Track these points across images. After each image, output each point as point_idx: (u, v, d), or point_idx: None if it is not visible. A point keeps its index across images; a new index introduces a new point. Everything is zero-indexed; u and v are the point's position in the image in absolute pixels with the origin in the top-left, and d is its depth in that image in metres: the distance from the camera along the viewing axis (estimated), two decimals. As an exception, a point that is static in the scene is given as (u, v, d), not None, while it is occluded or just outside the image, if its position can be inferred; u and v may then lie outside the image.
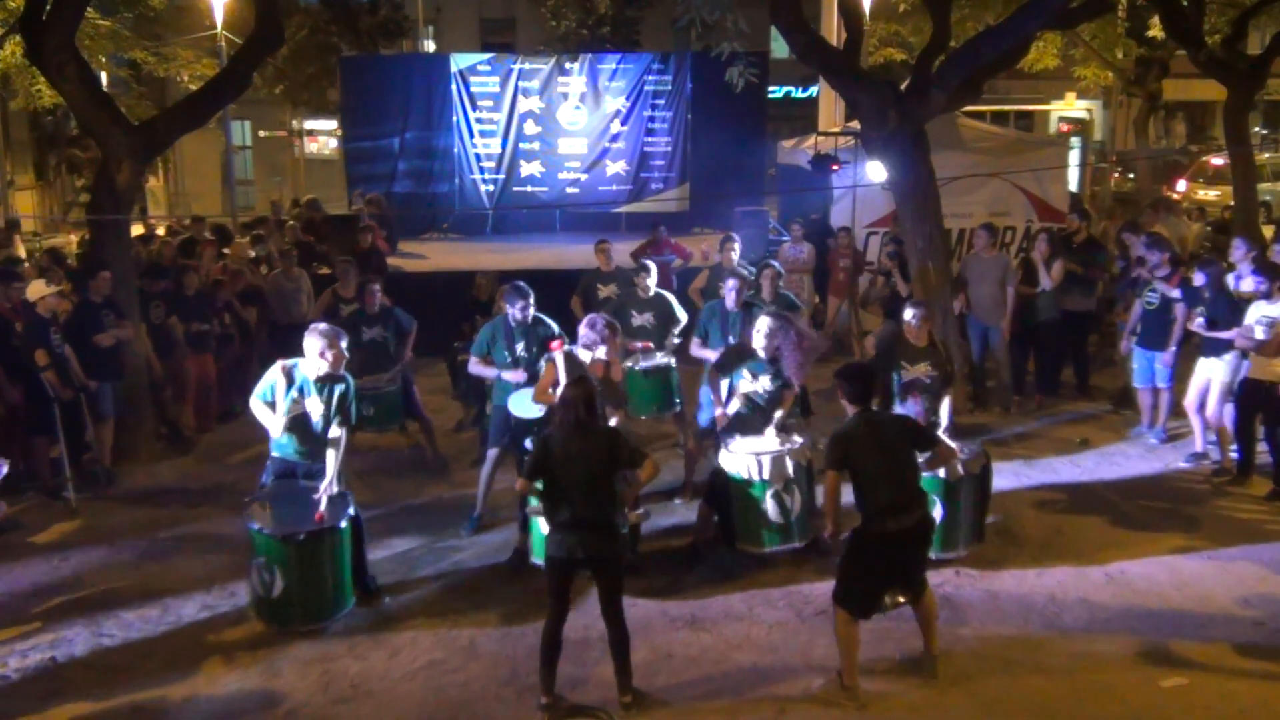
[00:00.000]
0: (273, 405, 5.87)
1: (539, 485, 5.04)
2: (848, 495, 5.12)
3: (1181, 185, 22.08)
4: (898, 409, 6.60)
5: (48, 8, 8.01)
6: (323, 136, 30.35)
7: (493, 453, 7.08)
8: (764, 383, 6.55)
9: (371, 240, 11.57)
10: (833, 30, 15.58)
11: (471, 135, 16.41)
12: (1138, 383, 8.62)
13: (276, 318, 10.08)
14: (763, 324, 6.48)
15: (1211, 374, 7.78)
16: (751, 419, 6.56)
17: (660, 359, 8.09)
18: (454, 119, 16.30)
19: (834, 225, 11.90)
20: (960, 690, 5.11)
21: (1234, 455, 7.81)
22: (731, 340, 7.22)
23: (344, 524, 5.68)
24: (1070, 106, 29.43)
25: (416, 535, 7.04)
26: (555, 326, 7.11)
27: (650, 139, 16.73)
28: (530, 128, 16.52)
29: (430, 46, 29.55)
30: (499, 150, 16.49)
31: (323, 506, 5.64)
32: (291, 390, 5.83)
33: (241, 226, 14.41)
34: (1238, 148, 13.68)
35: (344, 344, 5.87)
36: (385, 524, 7.10)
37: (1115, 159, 26.28)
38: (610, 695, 4.99)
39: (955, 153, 11.80)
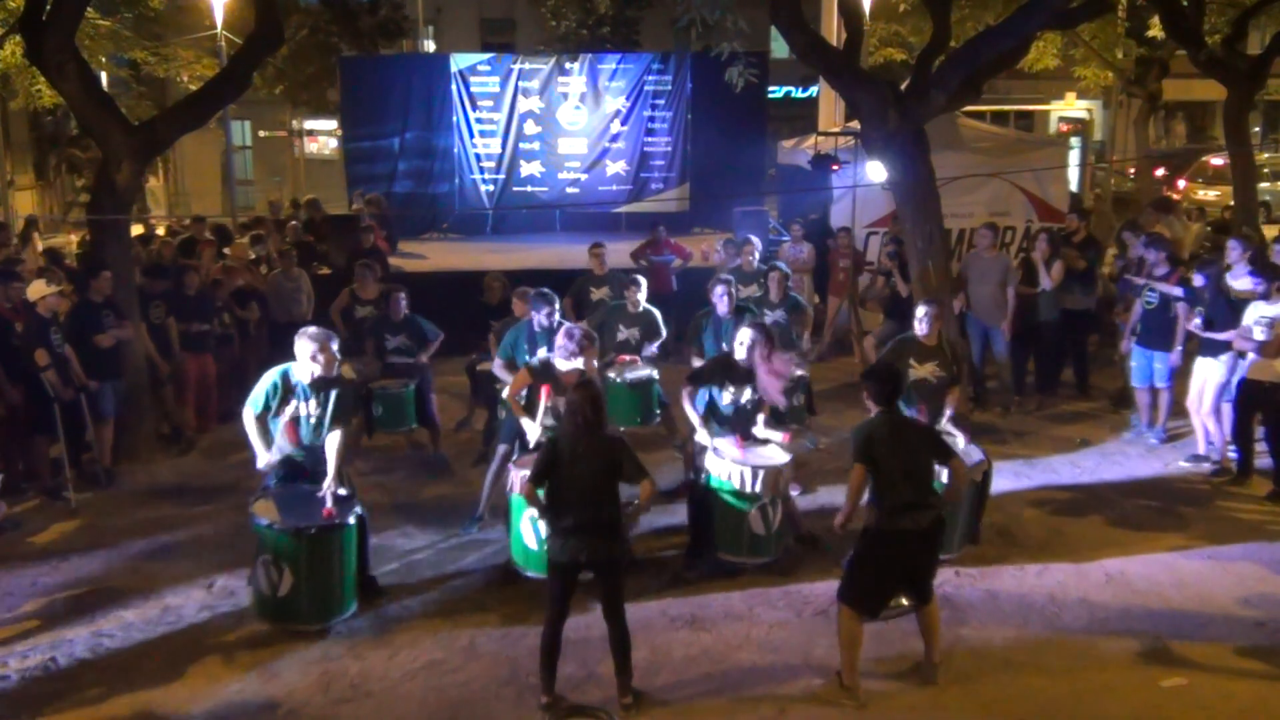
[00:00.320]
0: (270, 413, 5.81)
1: (540, 491, 5.02)
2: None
3: (1181, 185, 22.10)
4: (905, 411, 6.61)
5: (48, 8, 8.01)
6: (323, 136, 30.33)
7: (502, 448, 7.08)
8: (746, 394, 6.47)
9: (372, 240, 11.58)
10: (833, 30, 15.57)
11: (471, 135, 16.41)
12: (1136, 382, 8.63)
13: (276, 318, 10.08)
14: (744, 335, 6.41)
15: (1208, 374, 7.79)
16: (735, 424, 6.50)
17: (644, 371, 8.11)
18: (454, 119, 16.30)
19: (834, 225, 11.90)
20: (960, 690, 5.11)
21: (1234, 456, 7.81)
22: (725, 347, 7.18)
23: (352, 521, 5.69)
24: (1070, 106, 29.42)
25: (417, 535, 7.04)
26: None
27: (650, 139, 16.73)
28: (530, 128, 16.52)
29: (430, 46, 29.54)
30: (499, 150, 16.49)
31: (329, 503, 5.64)
32: (288, 396, 5.82)
33: (239, 227, 14.41)
34: (1238, 148, 13.68)
35: (335, 346, 5.84)
36: (386, 524, 7.10)
37: (1115, 161, 26.28)
38: (610, 695, 4.99)
39: (955, 153, 11.80)
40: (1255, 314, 7.33)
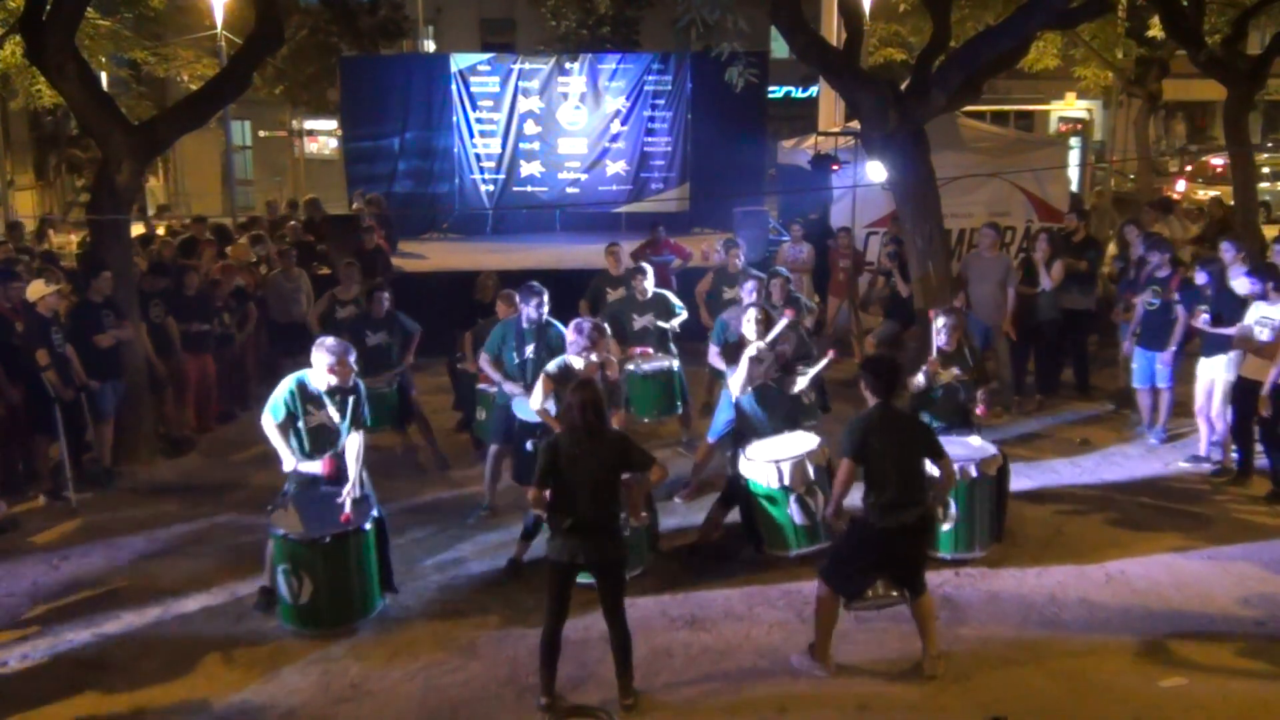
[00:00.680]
0: (291, 420, 5.80)
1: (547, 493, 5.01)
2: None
3: (1181, 185, 22.11)
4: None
5: (48, 8, 8.01)
6: (323, 136, 30.32)
7: (494, 448, 7.13)
8: (752, 348, 6.57)
9: (373, 241, 11.57)
10: (833, 30, 15.58)
11: (471, 135, 16.40)
12: (1137, 383, 8.62)
13: (276, 318, 10.08)
14: (750, 313, 6.62)
15: (1214, 374, 7.78)
16: (766, 390, 6.58)
17: (663, 362, 8.10)
18: (454, 119, 16.29)
19: (834, 225, 11.90)
20: (960, 690, 5.11)
21: (1234, 456, 7.81)
22: None
23: (369, 525, 5.69)
24: (1070, 106, 29.43)
25: (417, 535, 7.04)
26: (564, 329, 7.10)
27: (650, 139, 16.72)
28: (530, 128, 16.51)
29: (430, 46, 29.54)
30: (499, 150, 16.48)
31: (348, 508, 5.64)
32: (308, 404, 5.81)
33: (237, 227, 14.41)
34: (1238, 148, 13.68)
35: (352, 359, 5.84)
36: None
37: (1116, 161, 26.29)
38: (610, 695, 4.99)
39: (955, 153, 11.80)
40: (1256, 314, 7.32)
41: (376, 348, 8.26)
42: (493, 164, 16.51)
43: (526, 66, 16.48)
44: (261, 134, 29.99)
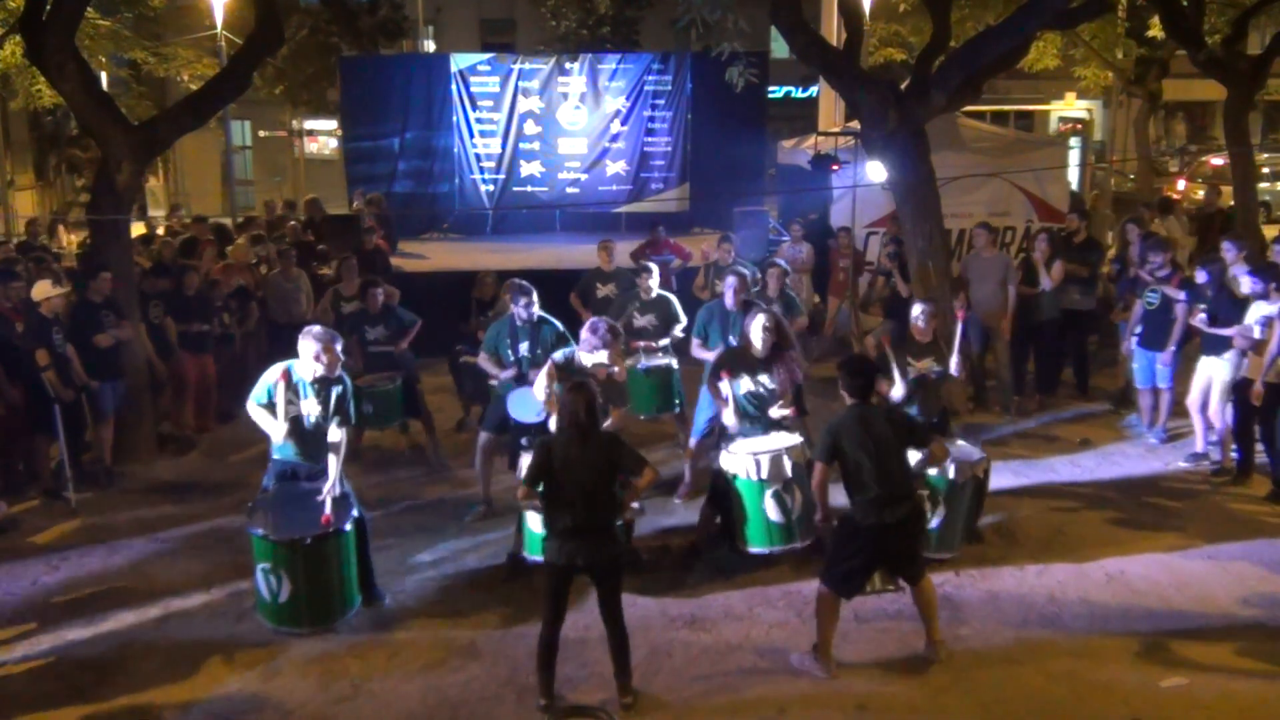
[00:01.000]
0: (271, 408, 5.83)
1: (538, 490, 5.01)
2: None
3: (1181, 185, 22.11)
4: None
5: (48, 8, 8.01)
6: (323, 136, 30.32)
7: (483, 437, 7.15)
8: (764, 381, 6.53)
9: (374, 242, 11.58)
10: (833, 30, 15.59)
11: (471, 135, 16.41)
12: (1138, 383, 8.62)
13: (276, 318, 10.08)
14: (760, 320, 6.47)
15: (1213, 373, 7.78)
16: (754, 416, 6.54)
17: (662, 359, 8.11)
18: (454, 119, 16.29)
19: (834, 225, 11.90)
20: (960, 690, 5.11)
21: (1234, 455, 7.81)
22: (732, 340, 7.20)
23: (349, 526, 5.68)
24: (1070, 106, 29.43)
25: (417, 535, 7.04)
26: (559, 325, 7.12)
27: (650, 139, 16.72)
28: (530, 128, 16.51)
29: (430, 46, 29.53)
30: (499, 150, 16.49)
31: (328, 509, 5.63)
32: (289, 393, 5.82)
33: (235, 227, 14.42)
34: (1238, 148, 13.67)
35: (339, 347, 5.85)
36: (386, 523, 7.10)
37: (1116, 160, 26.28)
38: (610, 695, 4.99)
39: (955, 153, 11.81)
40: (1257, 313, 7.33)
41: (377, 342, 8.33)
42: (493, 164, 16.52)
43: (526, 66, 16.48)
44: (261, 134, 29.98)
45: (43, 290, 7.65)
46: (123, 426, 8.30)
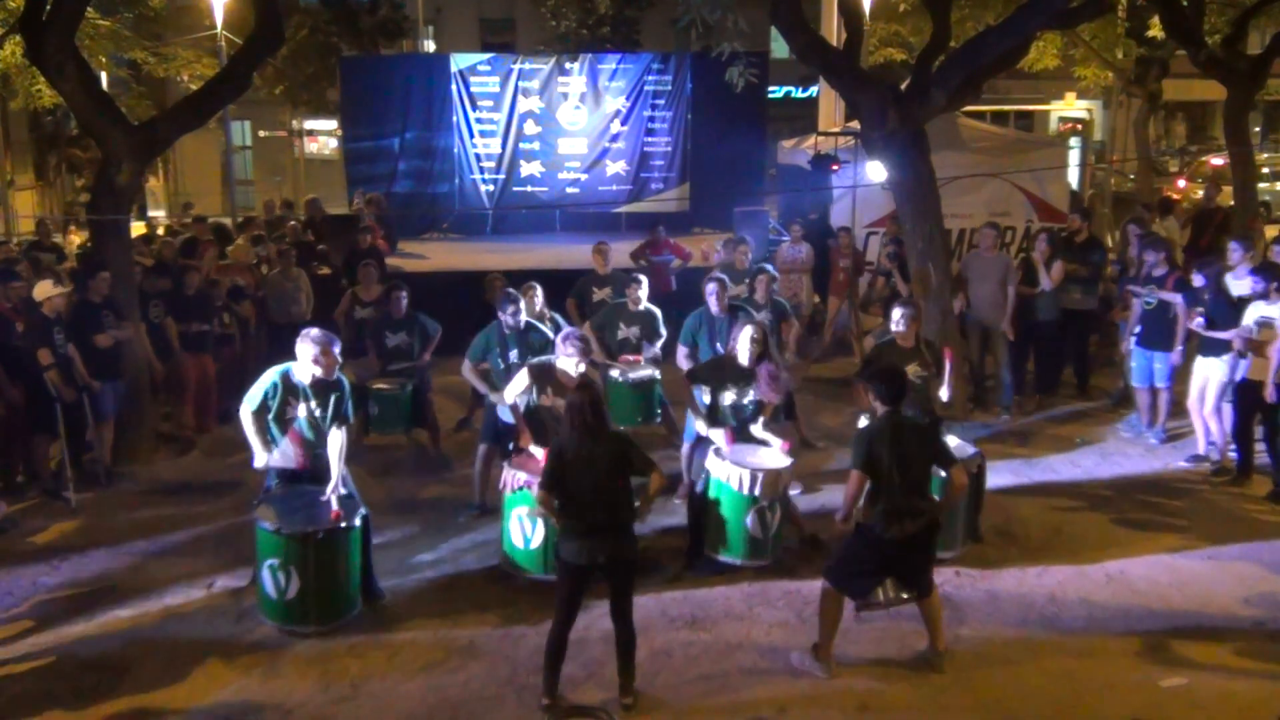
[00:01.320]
0: (267, 412, 5.81)
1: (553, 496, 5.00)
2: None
3: (1181, 185, 22.11)
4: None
5: (48, 8, 8.01)
6: (323, 136, 30.31)
7: (481, 448, 7.18)
8: (748, 394, 6.49)
9: (371, 240, 11.57)
10: (833, 30, 15.59)
11: (471, 135, 16.40)
12: (1136, 382, 8.63)
13: (275, 318, 10.07)
14: (747, 332, 6.46)
15: (1209, 374, 7.78)
16: (737, 429, 6.50)
17: (645, 371, 8.12)
18: (454, 119, 16.29)
19: (834, 225, 11.90)
20: (960, 690, 5.11)
21: (1233, 455, 7.81)
22: (719, 348, 7.17)
23: (358, 523, 5.69)
24: (1070, 106, 29.41)
25: (417, 535, 7.04)
26: (549, 333, 7.12)
27: (650, 139, 16.72)
28: (530, 128, 16.51)
29: (430, 46, 29.52)
30: (499, 150, 16.49)
31: (335, 505, 5.64)
32: (291, 397, 5.82)
33: (235, 227, 14.43)
34: (1238, 148, 13.67)
35: (337, 350, 5.84)
36: (386, 524, 7.09)
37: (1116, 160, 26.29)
38: (610, 695, 4.99)
39: (955, 153, 11.82)
40: (1255, 314, 7.33)
41: (397, 349, 8.29)
42: (493, 164, 16.51)
43: (526, 66, 16.48)
44: (261, 134, 29.97)
45: (43, 290, 7.65)
46: (123, 426, 8.30)
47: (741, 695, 5.10)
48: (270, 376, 5.83)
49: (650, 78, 16.58)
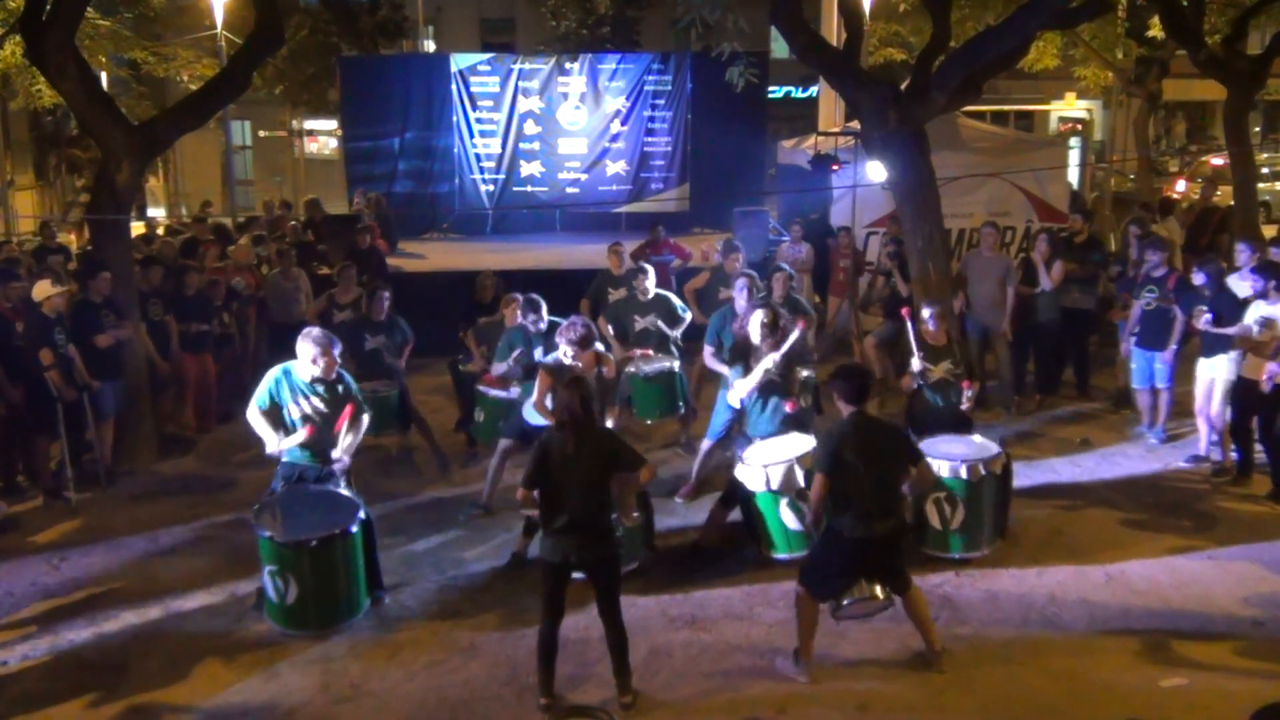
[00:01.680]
0: (274, 412, 5.83)
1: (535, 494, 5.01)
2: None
3: (1181, 185, 22.11)
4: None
5: (48, 8, 8.01)
6: (323, 136, 30.32)
7: (503, 443, 7.16)
8: (769, 360, 6.52)
9: (370, 240, 11.57)
10: (833, 30, 15.57)
11: (471, 135, 16.41)
12: (1137, 383, 8.62)
13: (275, 318, 10.07)
14: (758, 315, 6.54)
15: (1214, 373, 7.77)
16: (772, 387, 6.53)
17: (663, 363, 8.10)
18: (454, 119, 16.29)
19: (834, 225, 11.90)
20: (960, 690, 5.11)
21: (1234, 455, 7.81)
22: None
23: (355, 528, 5.68)
24: (1070, 106, 29.41)
25: (416, 535, 7.04)
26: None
27: (650, 139, 16.72)
28: (530, 128, 16.51)
29: (430, 46, 29.53)
30: (499, 150, 16.49)
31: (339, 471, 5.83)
32: (295, 394, 5.83)
33: (236, 227, 14.43)
34: (1238, 148, 13.67)
35: (337, 351, 5.85)
36: (385, 524, 7.07)
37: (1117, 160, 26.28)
38: (610, 695, 4.99)
39: (955, 153, 11.80)
40: (1256, 313, 7.33)
41: (375, 351, 8.21)
42: (493, 164, 16.52)
43: (526, 66, 16.48)
44: (261, 134, 29.98)
45: (43, 290, 7.65)
46: (123, 426, 8.30)
47: (741, 695, 5.10)
48: (273, 375, 5.86)
49: (650, 78, 16.58)
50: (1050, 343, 9.67)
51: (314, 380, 5.83)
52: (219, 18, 20.46)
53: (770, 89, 19.61)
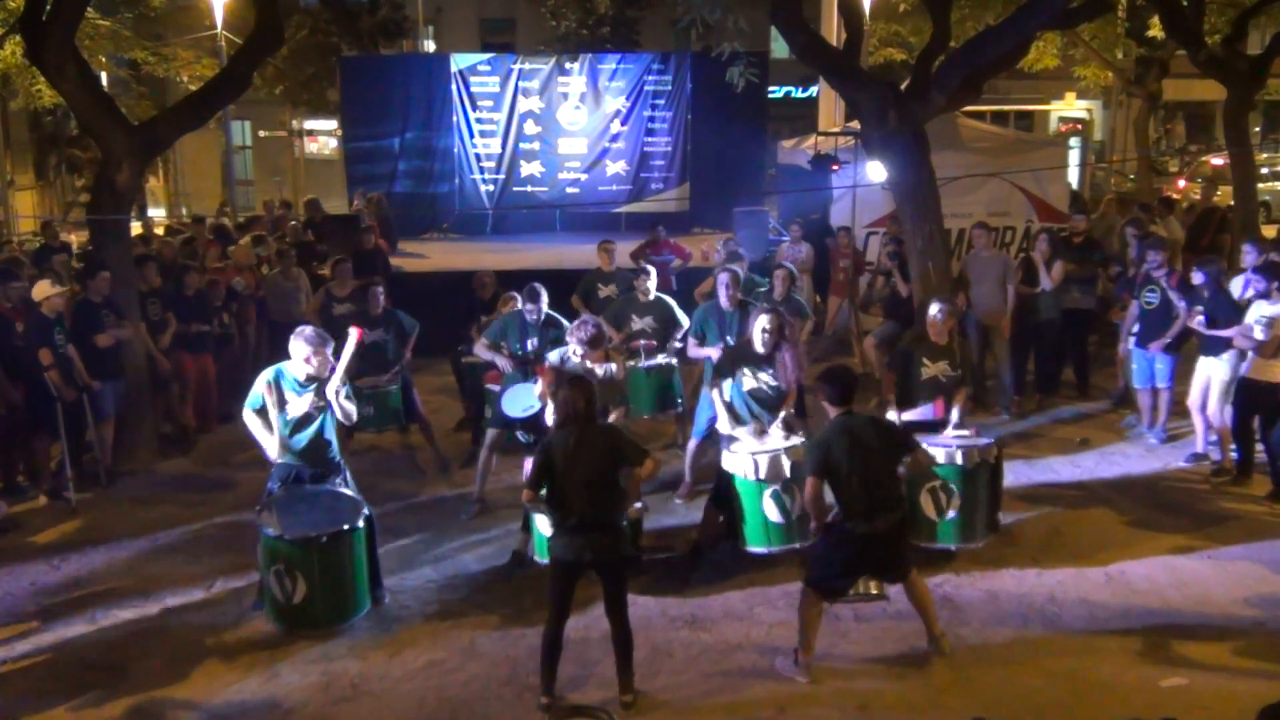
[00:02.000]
0: (266, 412, 5.83)
1: (541, 494, 5.00)
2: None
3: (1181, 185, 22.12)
4: (920, 410, 6.68)
5: (48, 8, 8.01)
6: (323, 136, 30.33)
7: (491, 433, 7.23)
8: (765, 378, 6.53)
9: (373, 241, 11.58)
10: (833, 30, 15.57)
11: (471, 135, 16.41)
12: (1137, 383, 8.62)
13: (275, 317, 10.07)
14: (762, 321, 6.47)
15: (1211, 373, 7.78)
16: (758, 415, 6.53)
17: (662, 359, 8.13)
18: (454, 119, 16.30)
19: (834, 225, 11.90)
20: (960, 690, 5.11)
21: (1234, 455, 7.81)
22: (729, 340, 7.20)
23: (360, 525, 5.68)
24: (1070, 106, 29.43)
25: (417, 535, 7.04)
26: (567, 328, 7.14)
27: (650, 139, 16.73)
28: (530, 128, 16.52)
29: (430, 46, 29.54)
30: (499, 150, 16.50)
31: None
32: (284, 394, 5.81)
33: (236, 227, 14.43)
34: (1238, 148, 13.68)
35: (329, 350, 5.84)
36: (385, 524, 7.06)
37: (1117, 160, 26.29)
38: (610, 695, 4.99)
39: (955, 153, 11.80)
40: (1256, 313, 7.33)
41: (374, 345, 8.19)
42: (493, 164, 16.52)
43: (526, 66, 16.49)
44: (261, 134, 29.98)
45: (43, 290, 7.65)
46: (123, 426, 8.30)
47: (741, 695, 5.10)
48: (266, 375, 5.84)
49: (650, 78, 16.59)
50: (1050, 343, 9.66)
51: (307, 379, 5.83)
52: (219, 18, 20.46)
53: (770, 89, 19.61)
